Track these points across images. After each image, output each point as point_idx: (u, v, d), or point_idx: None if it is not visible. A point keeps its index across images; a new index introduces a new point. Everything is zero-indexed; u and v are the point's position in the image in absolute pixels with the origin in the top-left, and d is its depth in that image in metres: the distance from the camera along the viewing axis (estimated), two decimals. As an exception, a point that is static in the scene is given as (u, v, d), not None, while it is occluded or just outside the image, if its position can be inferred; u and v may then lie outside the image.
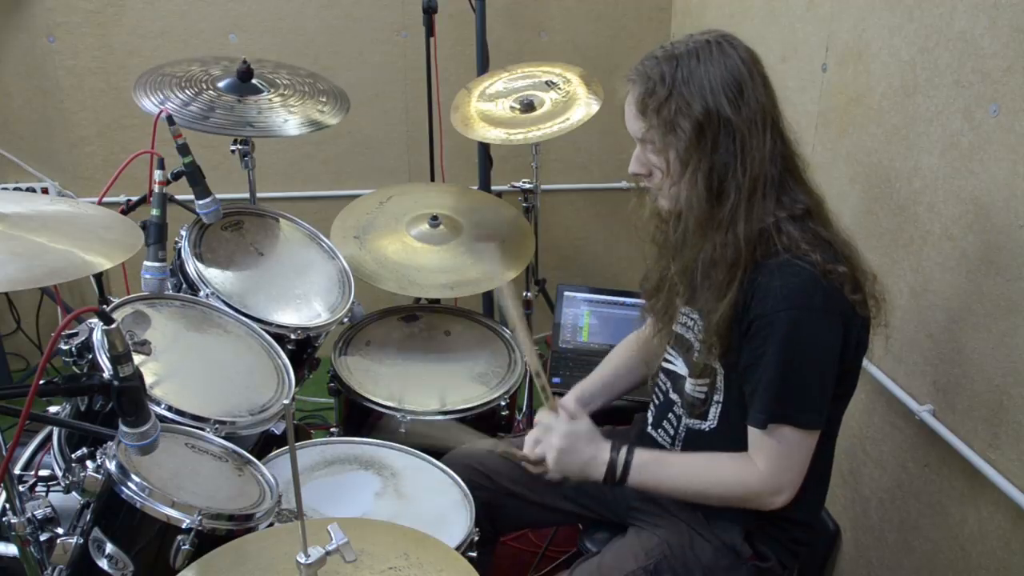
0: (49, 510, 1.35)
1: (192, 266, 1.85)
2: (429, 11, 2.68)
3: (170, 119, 1.85)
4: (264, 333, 1.81)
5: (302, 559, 1.03)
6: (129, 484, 1.30)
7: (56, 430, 1.57)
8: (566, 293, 2.53)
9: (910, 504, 1.80)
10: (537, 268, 2.71)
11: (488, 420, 2.01)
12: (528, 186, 2.52)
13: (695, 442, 1.52)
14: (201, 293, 1.82)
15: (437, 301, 2.43)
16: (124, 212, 1.81)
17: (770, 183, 1.36)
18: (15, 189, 2.94)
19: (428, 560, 1.20)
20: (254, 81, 2.13)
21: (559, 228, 3.35)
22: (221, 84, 2.10)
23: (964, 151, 1.58)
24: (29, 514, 1.30)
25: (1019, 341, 1.46)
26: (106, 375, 1.16)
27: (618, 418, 1.81)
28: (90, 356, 1.50)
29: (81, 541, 1.34)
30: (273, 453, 1.68)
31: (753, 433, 1.40)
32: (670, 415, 1.58)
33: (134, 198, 1.95)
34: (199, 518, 1.30)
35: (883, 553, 1.90)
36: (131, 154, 1.84)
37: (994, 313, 1.52)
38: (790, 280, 1.33)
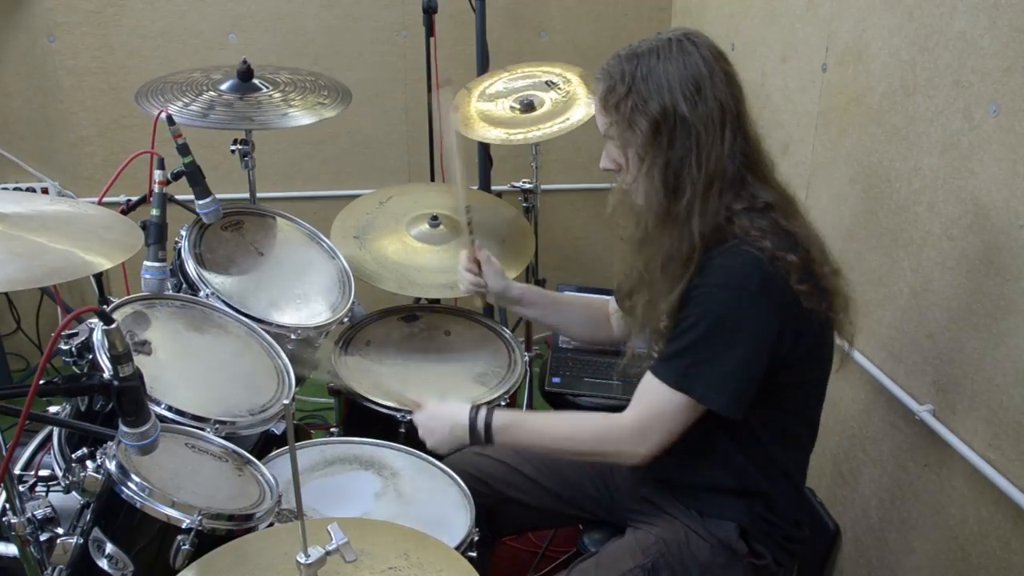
0: (49, 510, 1.34)
1: (192, 266, 1.85)
2: (429, 11, 2.68)
3: (170, 119, 1.85)
4: (264, 333, 1.81)
5: (302, 559, 1.03)
6: (129, 484, 1.30)
7: (56, 430, 1.57)
8: (566, 293, 2.53)
9: (910, 504, 1.80)
10: (537, 268, 2.71)
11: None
12: (528, 186, 2.52)
13: None
14: (201, 293, 1.82)
15: (437, 301, 2.43)
16: (124, 212, 1.81)
17: (728, 179, 1.38)
18: (15, 189, 2.94)
19: (428, 560, 1.20)
20: (255, 80, 2.14)
21: (559, 228, 3.35)
22: (222, 86, 2.11)
23: (964, 151, 1.57)
24: (29, 514, 1.30)
25: (1019, 341, 1.46)
26: (106, 375, 1.16)
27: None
28: (90, 356, 1.50)
29: (81, 541, 1.34)
30: (273, 453, 1.68)
31: (646, 385, 1.42)
32: None
33: (134, 198, 1.94)
34: (199, 518, 1.30)
35: (883, 553, 1.90)
36: (131, 154, 1.84)
37: (994, 313, 1.52)
38: (732, 260, 1.35)
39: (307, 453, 1.72)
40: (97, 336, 1.49)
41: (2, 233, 1.18)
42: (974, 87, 1.54)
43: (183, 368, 1.64)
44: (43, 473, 1.61)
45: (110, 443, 1.34)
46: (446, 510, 1.60)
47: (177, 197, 1.91)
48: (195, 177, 1.85)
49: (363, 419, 1.96)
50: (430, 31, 2.70)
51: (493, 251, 2.27)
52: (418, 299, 2.41)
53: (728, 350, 1.35)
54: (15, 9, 2.83)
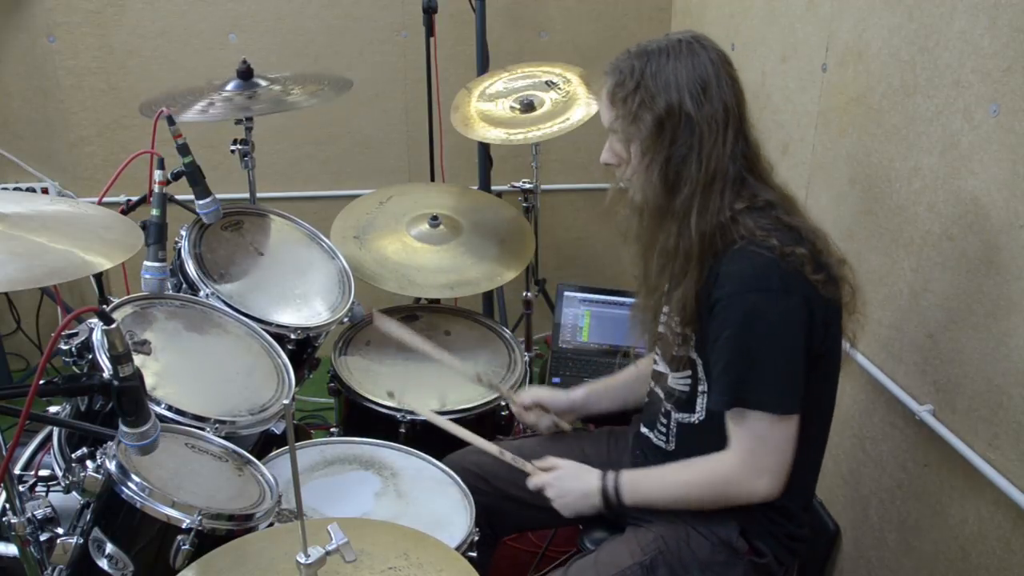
0: (49, 510, 1.35)
1: (192, 266, 1.85)
2: (429, 11, 2.68)
3: (170, 119, 1.85)
4: (264, 333, 1.81)
5: (302, 559, 1.03)
6: (129, 484, 1.30)
7: (56, 430, 1.57)
8: (566, 293, 2.53)
9: (910, 504, 1.80)
10: (537, 268, 2.71)
11: (488, 420, 2.01)
12: (528, 186, 2.52)
13: (687, 436, 1.54)
14: (201, 293, 1.82)
15: (437, 301, 2.43)
16: (124, 212, 1.81)
17: (728, 180, 1.39)
18: (15, 189, 2.94)
19: (428, 560, 1.20)
20: (255, 79, 2.14)
21: (559, 228, 3.35)
22: (225, 88, 2.12)
23: (964, 151, 1.57)
24: (29, 514, 1.30)
25: (1019, 341, 1.46)
26: (106, 375, 1.16)
27: (616, 419, 1.82)
28: (90, 356, 1.50)
29: (81, 541, 1.34)
30: (273, 453, 1.68)
31: (726, 418, 1.42)
32: (659, 413, 1.59)
33: (134, 198, 1.95)
34: (199, 518, 1.30)
35: (883, 553, 1.90)
36: (131, 154, 1.84)
37: (994, 313, 1.52)
38: (746, 264, 1.36)
39: (307, 453, 1.72)
40: (97, 336, 1.49)
41: (2, 233, 1.18)
42: (974, 87, 1.54)
43: (183, 368, 1.64)
44: (43, 473, 1.61)
45: (110, 443, 1.34)
46: (446, 510, 1.60)
47: (177, 197, 1.91)
48: (195, 177, 1.85)
49: (363, 419, 1.96)
50: (430, 31, 2.70)
51: (493, 251, 2.28)
52: (418, 299, 2.41)
53: (770, 352, 1.35)
54: (15, 9, 2.83)
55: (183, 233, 1.92)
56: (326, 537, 1.06)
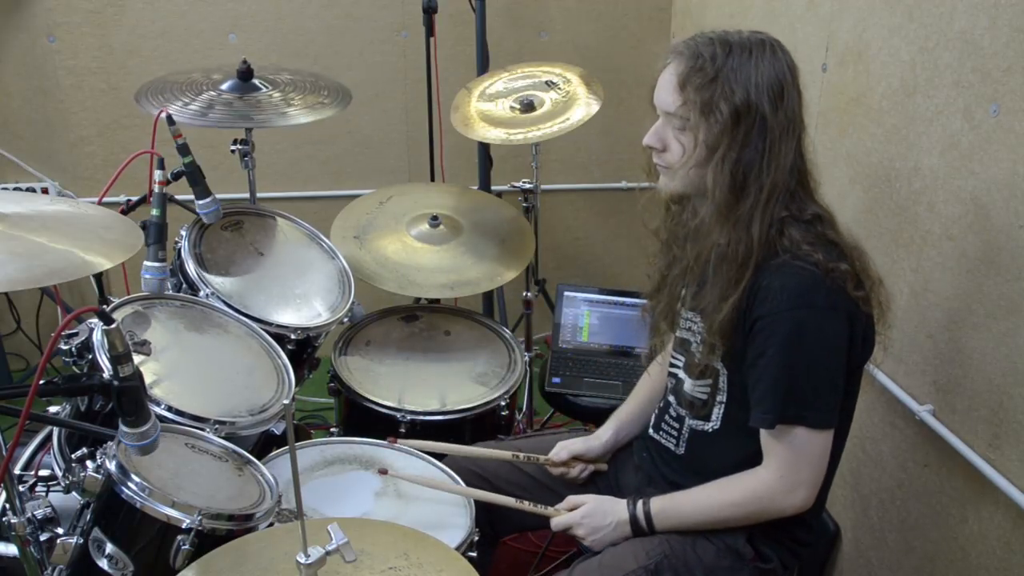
0: (49, 510, 1.35)
1: (192, 266, 1.85)
2: (429, 11, 2.68)
3: (170, 119, 1.85)
4: (264, 333, 1.81)
5: (302, 559, 1.03)
6: (129, 484, 1.30)
7: (56, 430, 1.57)
8: (566, 293, 2.53)
9: (910, 504, 1.80)
10: (537, 268, 2.71)
11: (488, 420, 2.01)
12: (528, 186, 2.52)
13: (699, 443, 1.53)
14: (201, 293, 1.82)
15: (437, 301, 2.43)
16: (124, 212, 1.81)
17: (785, 192, 1.37)
18: (15, 189, 2.94)
19: (428, 560, 1.20)
20: (255, 80, 2.14)
21: (559, 228, 3.35)
22: (222, 86, 2.11)
23: (964, 151, 1.57)
24: (29, 514, 1.30)
25: (1019, 341, 1.46)
26: (106, 375, 1.16)
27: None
28: (90, 356, 1.50)
29: (81, 541, 1.34)
30: (273, 453, 1.68)
31: (763, 436, 1.40)
32: (668, 417, 1.59)
33: (134, 198, 1.95)
34: (199, 518, 1.30)
35: (883, 553, 1.90)
36: (131, 154, 1.84)
37: (994, 313, 1.52)
38: (791, 280, 1.33)
39: (307, 453, 1.72)
40: (97, 336, 1.49)
41: (2, 233, 1.18)
42: (974, 87, 1.54)
43: (183, 368, 1.64)
44: (43, 473, 1.61)
45: (110, 443, 1.34)
46: (446, 510, 1.60)
47: (177, 197, 1.91)
48: (195, 177, 1.85)
49: (363, 419, 1.96)
50: (430, 31, 2.70)
51: (493, 251, 2.28)
52: (418, 299, 2.41)
53: (816, 369, 1.34)
54: (15, 9, 2.83)
55: (183, 233, 1.92)
56: (326, 537, 1.06)
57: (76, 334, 1.53)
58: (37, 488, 1.59)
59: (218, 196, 1.90)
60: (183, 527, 1.30)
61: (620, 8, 3.12)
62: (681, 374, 1.55)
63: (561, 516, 1.58)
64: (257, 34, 2.95)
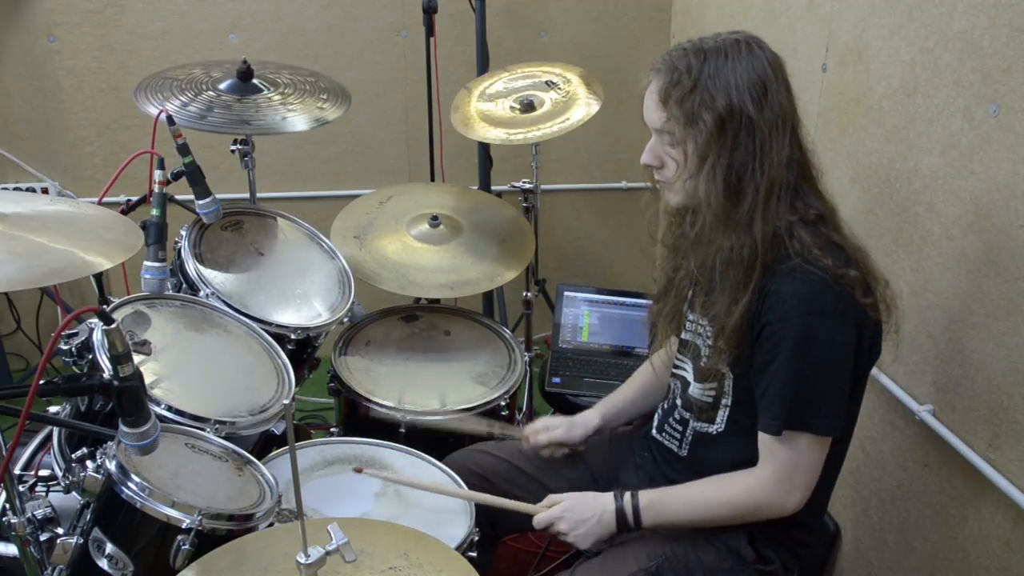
0: (49, 510, 1.35)
1: (192, 266, 1.85)
2: (429, 11, 2.68)
3: (170, 119, 1.85)
4: (264, 333, 1.81)
5: (302, 559, 1.03)
6: (129, 484, 1.30)
7: (56, 430, 1.57)
8: (566, 293, 2.53)
9: (910, 504, 1.80)
10: (537, 268, 2.71)
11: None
12: (528, 186, 2.52)
13: (702, 444, 1.53)
14: (201, 293, 1.82)
15: (437, 301, 2.43)
16: (124, 212, 1.81)
17: (785, 187, 1.36)
18: (15, 189, 2.94)
19: (428, 560, 1.20)
20: (255, 81, 2.14)
21: (559, 228, 3.35)
22: (222, 85, 2.11)
23: (964, 151, 1.57)
24: (29, 514, 1.30)
25: (1019, 341, 1.46)
26: (106, 375, 1.16)
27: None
28: (90, 356, 1.50)
29: (81, 541, 1.34)
30: (273, 453, 1.68)
31: (764, 439, 1.40)
32: (672, 419, 1.59)
33: (134, 198, 1.95)
34: (199, 518, 1.30)
35: (883, 553, 1.90)
36: (131, 154, 1.84)
37: (994, 313, 1.52)
38: (801, 286, 1.33)
39: (307, 453, 1.72)
40: (97, 336, 1.49)
41: (2, 233, 1.18)
42: (974, 87, 1.54)
43: (183, 368, 1.64)
44: (43, 473, 1.61)
45: (110, 443, 1.34)
46: (446, 510, 1.60)
47: (177, 197, 1.91)
48: (195, 177, 1.85)
49: (363, 419, 1.96)
50: (430, 31, 2.70)
51: (493, 251, 2.28)
52: (418, 299, 2.41)
53: (824, 376, 1.34)
54: (15, 9, 2.83)
55: (183, 233, 1.92)
56: (326, 537, 1.06)
57: (76, 334, 1.53)
58: (37, 488, 1.59)
59: (218, 196, 1.90)
60: (183, 527, 1.30)
61: (620, 8, 3.12)
62: (687, 377, 1.55)
63: (542, 512, 1.55)
64: (257, 34, 2.95)
